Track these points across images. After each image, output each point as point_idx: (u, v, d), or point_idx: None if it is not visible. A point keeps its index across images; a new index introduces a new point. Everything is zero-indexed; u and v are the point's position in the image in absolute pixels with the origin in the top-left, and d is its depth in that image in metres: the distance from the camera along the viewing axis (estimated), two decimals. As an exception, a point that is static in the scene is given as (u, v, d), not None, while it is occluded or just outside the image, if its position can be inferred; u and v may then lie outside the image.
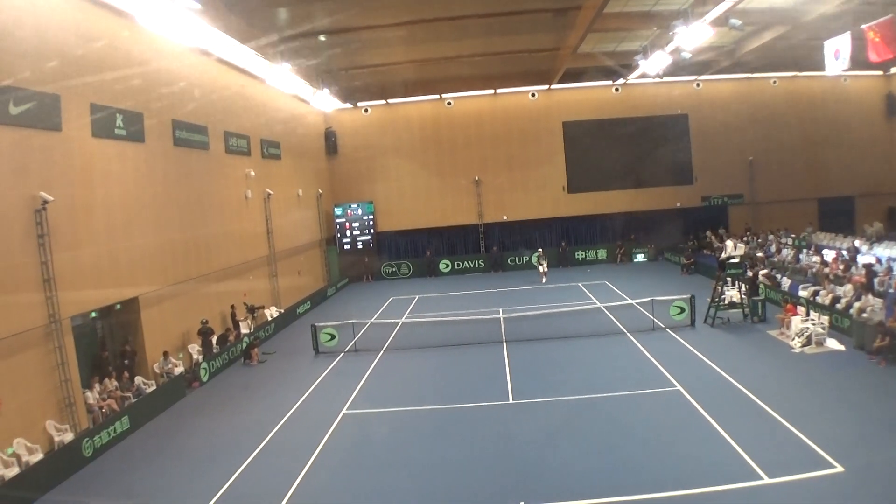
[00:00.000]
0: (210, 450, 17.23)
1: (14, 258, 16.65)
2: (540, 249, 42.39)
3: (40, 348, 17.32)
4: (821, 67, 27.64)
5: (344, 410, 19.54)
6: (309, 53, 32.09)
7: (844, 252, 31.21)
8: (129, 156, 22.16)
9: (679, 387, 19.08)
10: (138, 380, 21.40)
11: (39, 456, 16.01)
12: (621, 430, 16.50)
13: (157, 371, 22.51)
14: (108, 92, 20.66)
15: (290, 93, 37.41)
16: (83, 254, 19.30)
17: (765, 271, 30.94)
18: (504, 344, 25.73)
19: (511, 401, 19.46)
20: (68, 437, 17.22)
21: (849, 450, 13.79)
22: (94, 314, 20.85)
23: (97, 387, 19.50)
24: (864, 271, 26.36)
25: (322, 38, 29.73)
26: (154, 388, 21.37)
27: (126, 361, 21.58)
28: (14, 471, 15.08)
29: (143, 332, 22.49)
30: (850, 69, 26.52)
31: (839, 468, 13.08)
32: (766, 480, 12.95)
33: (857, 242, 33.55)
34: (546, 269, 40.23)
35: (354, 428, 18.31)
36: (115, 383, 20.26)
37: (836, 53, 25.70)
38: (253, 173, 32.10)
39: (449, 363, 24.34)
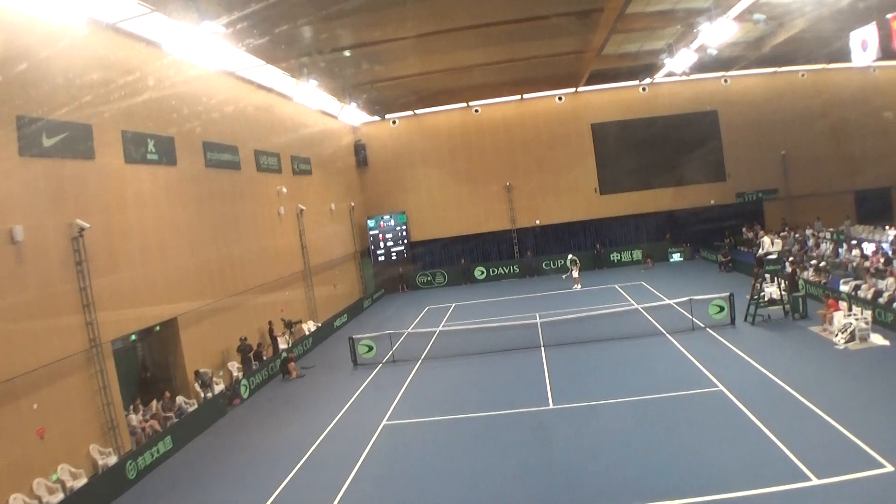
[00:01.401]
0: (252, 466, 17.35)
1: (54, 286, 16.93)
2: (571, 255, 41.95)
3: (82, 373, 17.56)
4: (849, 59, 27.22)
5: (384, 422, 19.59)
6: (334, 69, 32.31)
7: (885, 245, 30.64)
8: (162, 179, 22.47)
9: (721, 387, 18.85)
10: (179, 399, 21.60)
11: (84, 480, 16.18)
12: (664, 433, 16.33)
13: (197, 389, 22.66)
14: (138, 118, 20.98)
15: (317, 108, 37.64)
16: (121, 277, 19.57)
17: (809, 274, 30.43)
18: (542, 349, 25.64)
19: (551, 406, 19.39)
20: (112, 459, 17.42)
21: (898, 447, 13.43)
22: (133, 337, 21.10)
23: (140, 408, 19.71)
24: (905, 264, 25.87)
25: (347, 53, 29.92)
26: (195, 406, 21.56)
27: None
28: (59, 497, 15.23)
29: (182, 351, 22.71)
30: (877, 59, 26.09)
31: (889, 468, 12.74)
32: (815, 482, 12.67)
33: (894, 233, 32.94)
34: (578, 275, 39.70)
35: (395, 439, 18.37)
36: (158, 404, 20.49)
37: (864, 44, 25.26)
38: (285, 190, 32.36)
39: (488, 370, 24.32)
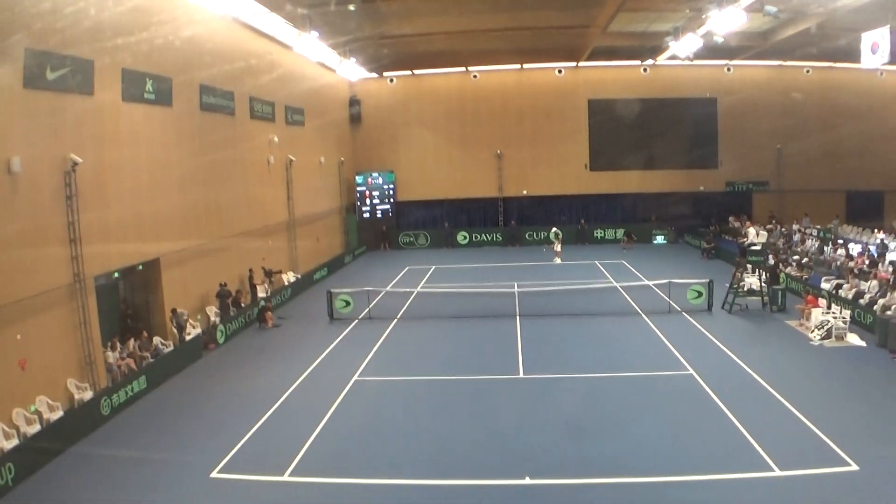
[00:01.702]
0: (223, 411, 17.47)
1: (44, 218, 16.84)
2: (555, 228, 42.02)
3: (64, 307, 17.51)
4: (856, 59, 27.12)
5: (356, 377, 19.73)
6: (338, 22, 31.90)
7: (872, 248, 30.89)
8: (157, 119, 22.28)
9: (692, 371, 19.06)
10: (156, 340, 21.62)
11: (60, 413, 16.24)
12: (631, 411, 16.57)
13: (172, 328, 22.63)
14: (139, 57, 20.69)
15: (316, 61, 37.24)
16: (108, 214, 19.45)
17: (790, 259, 30.70)
18: (517, 318, 25.80)
19: (521, 375, 19.58)
20: (88, 395, 17.46)
21: (864, 448, 13.53)
22: (116, 274, 21.04)
23: (118, 346, 19.76)
24: (890, 268, 26.10)
25: (351, 7, 29.57)
26: (171, 348, 21.61)
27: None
28: (35, 427, 15.33)
29: (163, 292, 22.69)
30: (888, 63, 26.04)
31: (854, 466, 12.87)
32: (778, 473, 12.85)
33: (883, 237, 33.21)
34: (560, 249, 39.83)
35: (365, 395, 18.53)
36: (135, 343, 20.52)
37: (874, 47, 25.17)
38: (276, 139, 32.17)
39: (462, 335, 24.50)
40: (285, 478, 13.47)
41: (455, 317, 26.26)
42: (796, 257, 31.69)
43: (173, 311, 22.82)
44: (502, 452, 14.44)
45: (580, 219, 47.03)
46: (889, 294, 22.90)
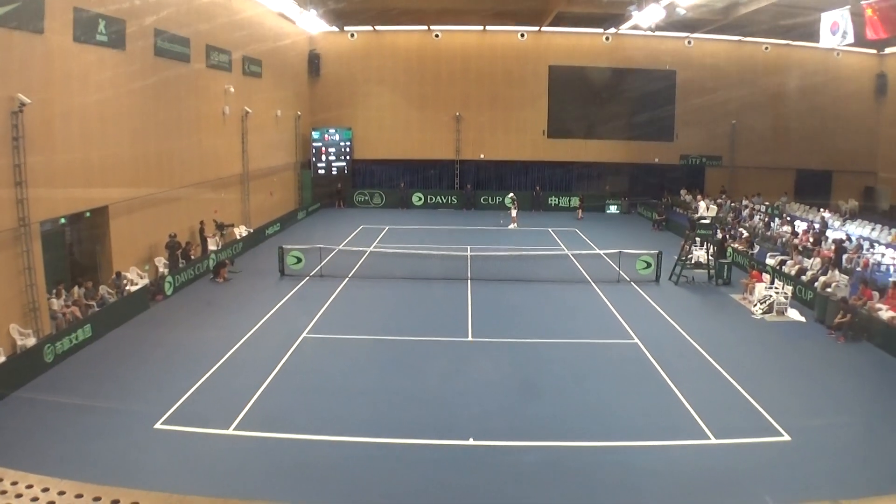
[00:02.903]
0: (168, 363, 17.34)
1: (-12, 159, 16.40)
2: (511, 194, 42.19)
3: (8, 251, 17.14)
4: (815, 38, 27.42)
5: (304, 334, 19.70)
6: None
7: (816, 225, 31.59)
8: (109, 62, 21.67)
9: (637, 340, 19.43)
10: (102, 289, 21.30)
11: (2, 359, 16.00)
12: (576, 377, 16.87)
13: (108, 288, 22.15)
14: (92, -4, 20.15)
15: (276, 10, 36.64)
16: (56, 159, 19.01)
17: (736, 233, 31.26)
18: (469, 282, 25.95)
19: (470, 338, 19.75)
20: (31, 341, 17.20)
21: (797, 420, 14.03)
22: (63, 220, 20.64)
23: (63, 294, 19.45)
24: (833, 247, 26.73)
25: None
26: (117, 298, 21.31)
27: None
28: (-25, 371, 15.10)
29: (110, 241, 22.34)
30: (847, 44, 26.35)
31: (786, 437, 13.34)
32: (713, 441, 13.26)
33: (827, 216, 33.96)
34: (515, 215, 40.02)
35: (313, 352, 18.55)
36: (80, 291, 20.20)
37: (834, 27, 25.47)
38: (232, 89, 31.58)
39: (412, 296, 24.60)
40: (230, 431, 13.46)
41: (407, 278, 26.30)
42: (743, 232, 32.23)
43: (117, 273, 22.27)
44: (448, 413, 14.63)
45: (535, 185, 47.22)
46: (830, 272, 23.51)
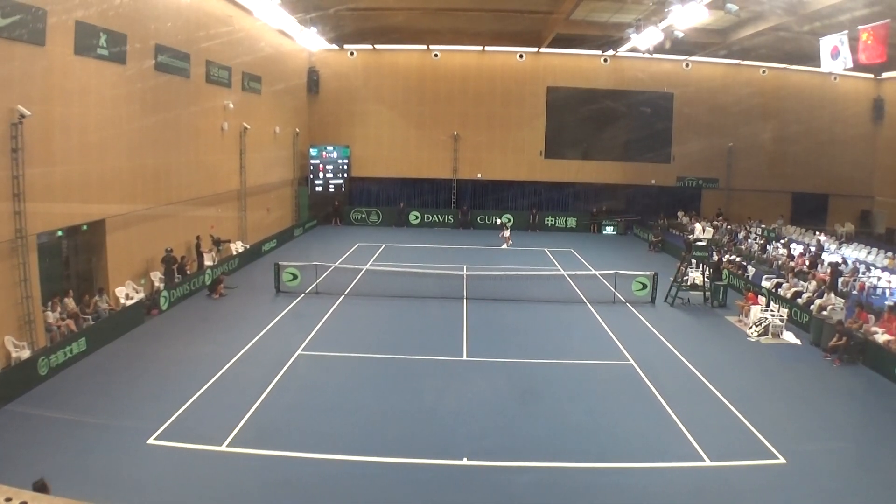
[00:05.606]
0: (163, 378, 17.27)
1: (-15, 170, 16.41)
2: (507, 215, 42.17)
3: (4, 263, 17.13)
4: (813, 62, 27.51)
5: (299, 351, 19.64)
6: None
7: (812, 248, 31.65)
8: (109, 76, 21.75)
9: (632, 361, 19.41)
10: (98, 302, 21.22)
11: (-3, 370, 15.95)
12: (571, 398, 16.82)
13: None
14: (94, 10, 20.23)
15: (276, 27, 36.78)
16: (55, 171, 19.03)
17: (730, 257, 31.32)
18: (464, 301, 25.92)
19: (465, 358, 19.71)
20: (25, 353, 17.16)
21: (792, 443, 14.04)
22: (60, 233, 20.62)
23: (58, 306, 19.39)
24: (829, 270, 26.75)
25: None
26: (114, 312, 21.23)
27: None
28: (-31, 383, 15.01)
29: (107, 254, 22.29)
30: (846, 69, 26.44)
31: (781, 460, 13.34)
32: (708, 463, 13.25)
33: (823, 239, 34.01)
34: (509, 234, 39.88)
35: (307, 369, 18.49)
36: (74, 303, 20.13)
37: (834, 51, 25.56)
38: (231, 105, 31.67)
39: (408, 314, 24.54)
40: (223, 448, 13.39)
41: (402, 296, 26.24)
42: (734, 257, 32.25)
43: (100, 290, 21.87)
44: (442, 432, 14.57)
45: (532, 206, 47.27)
46: (826, 295, 23.53)
